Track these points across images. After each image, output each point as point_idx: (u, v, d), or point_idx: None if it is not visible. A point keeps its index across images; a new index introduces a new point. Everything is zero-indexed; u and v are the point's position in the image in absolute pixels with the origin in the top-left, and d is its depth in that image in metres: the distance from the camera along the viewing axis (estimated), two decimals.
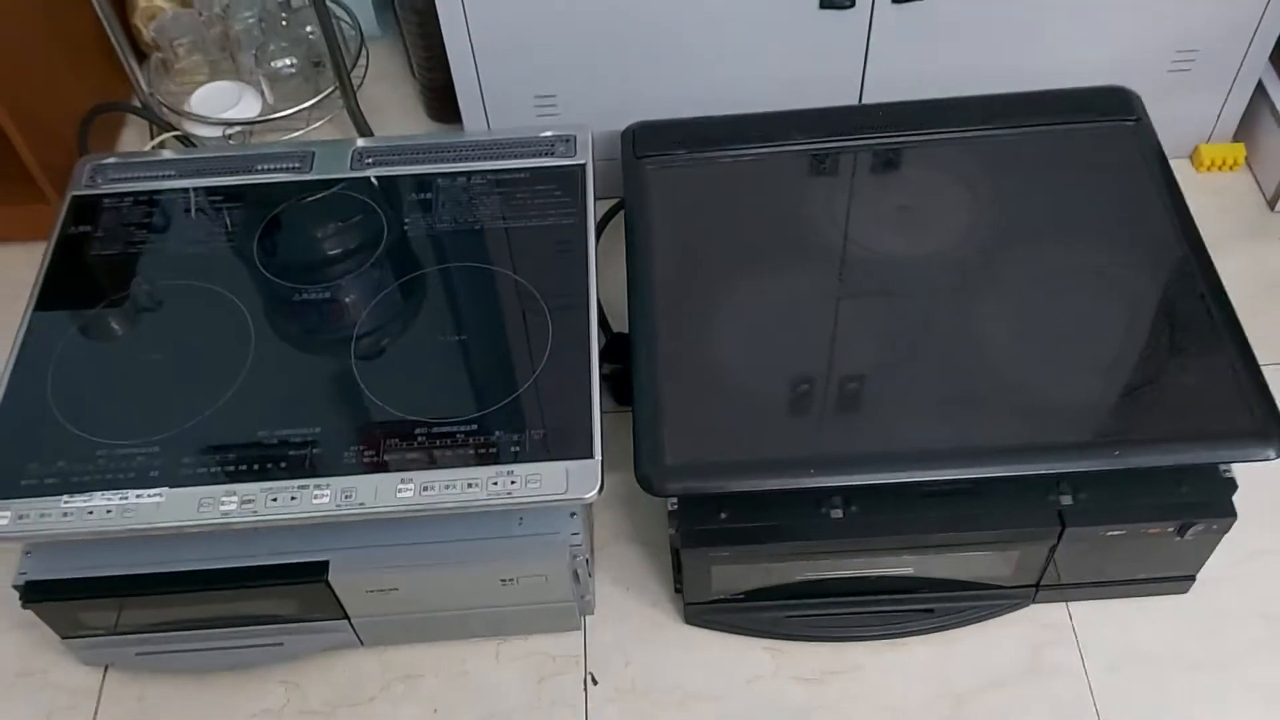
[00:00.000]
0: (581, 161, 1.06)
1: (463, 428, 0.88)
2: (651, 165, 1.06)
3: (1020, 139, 1.05)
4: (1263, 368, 1.09)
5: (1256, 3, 1.11)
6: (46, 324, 0.96)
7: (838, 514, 0.87)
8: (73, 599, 0.88)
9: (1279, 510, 1.02)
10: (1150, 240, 0.96)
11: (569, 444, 0.86)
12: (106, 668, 0.98)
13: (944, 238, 0.98)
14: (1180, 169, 1.26)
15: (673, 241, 1.00)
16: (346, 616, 0.93)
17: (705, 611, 0.97)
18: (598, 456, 0.86)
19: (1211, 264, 0.95)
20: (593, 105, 1.16)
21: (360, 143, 1.08)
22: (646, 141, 1.07)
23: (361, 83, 1.36)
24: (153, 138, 1.25)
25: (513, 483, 0.85)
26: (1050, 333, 0.91)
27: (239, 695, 0.96)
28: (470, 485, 0.85)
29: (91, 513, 0.85)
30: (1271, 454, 0.84)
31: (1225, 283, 1.15)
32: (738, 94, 1.14)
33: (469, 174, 1.05)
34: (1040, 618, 0.97)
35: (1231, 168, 1.26)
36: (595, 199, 1.03)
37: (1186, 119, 1.23)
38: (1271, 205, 1.23)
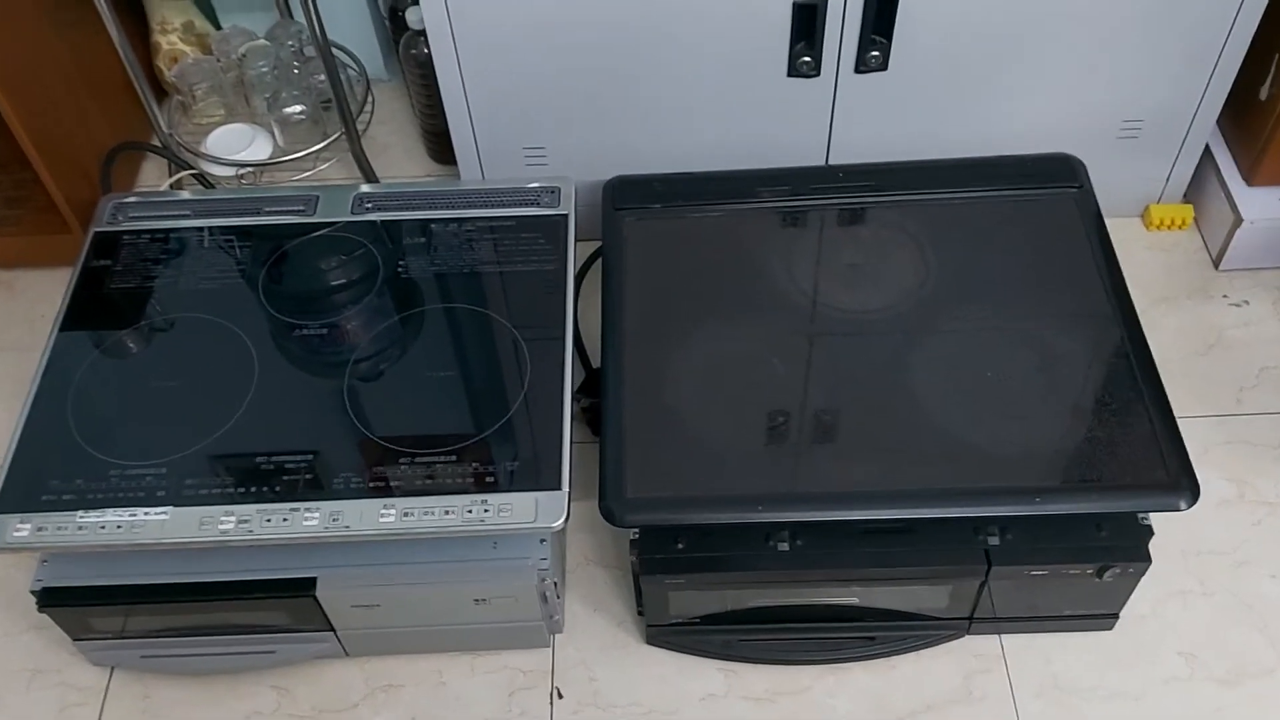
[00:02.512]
0: (564, 212, 1.15)
1: (443, 458, 0.96)
2: (629, 217, 1.14)
3: (970, 203, 1.13)
4: (1199, 419, 1.18)
5: (1198, 77, 1.19)
6: (68, 350, 1.05)
7: (784, 547, 0.95)
8: (83, 605, 0.97)
9: (1202, 554, 1.09)
10: (1083, 302, 1.04)
11: (540, 476, 0.95)
12: (113, 668, 1.06)
13: (892, 294, 1.06)
14: (1131, 226, 1.35)
15: (645, 289, 1.08)
16: (333, 629, 1.01)
17: (665, 633, 1.05)
18: (565, 489, 0.94)
19: (1138, 324, 1.03)
20: (578, 156, 1.25)
21: (362, 188, 1.17)
22: (624, 195, 1.16)
23: (367, 126, 1.45)
24: (171, 175, 1.34)
25: (486, 511, 0.93)
26: (983, 386, 0.99)
27: (234, 697, 1.04)
28: (447, 512, 0.93)
29: (103, 528, 0.93)
30: (1182, 505, 0.92)
31: (1167, 338, 1.23)
32: (713, 152, 1.23)
33: (461, 220, 1.14)
34: (973, 648, 1.05)
35: (1180, 227, 1.34)
36: (575, 246, 1.12)
37: (1137, 180, 1.31)
38: (1216, 264, 1.30)
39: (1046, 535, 0.95)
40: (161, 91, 1.44)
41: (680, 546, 0.96)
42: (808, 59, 1.14)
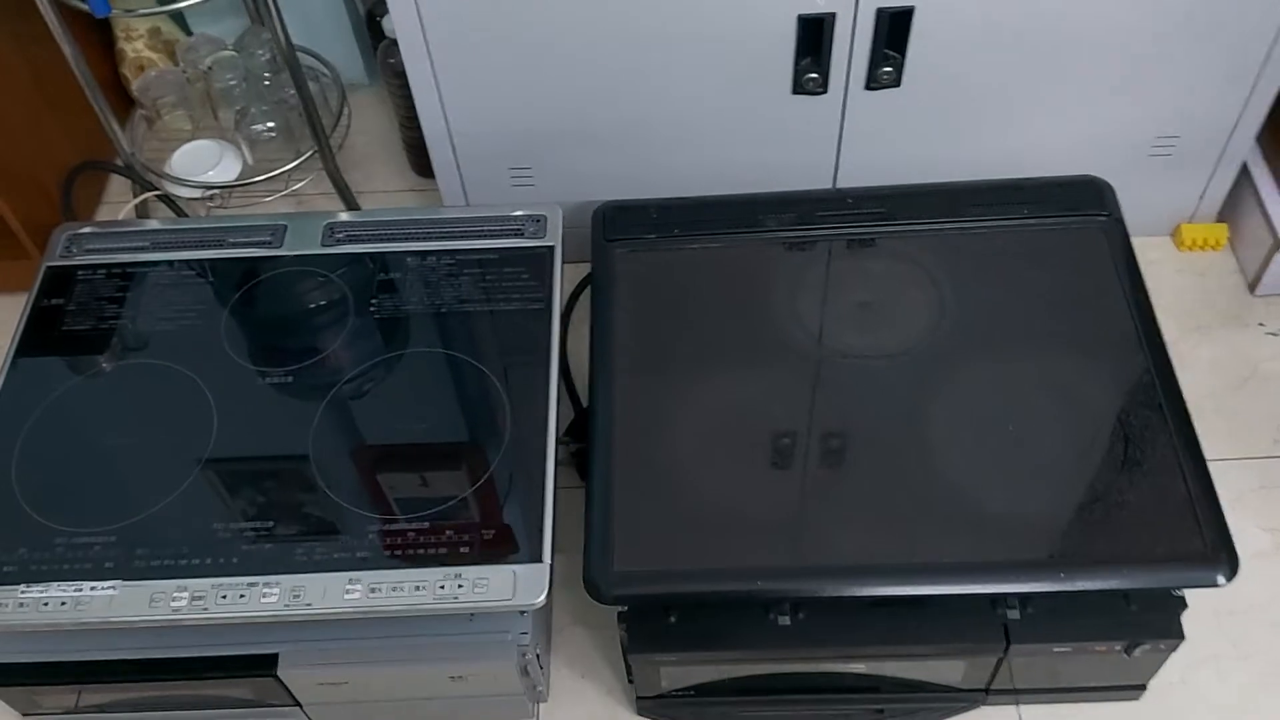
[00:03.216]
0: (550, 244, 1.06)
1: (414, 525, 0.88)
2: (620, 249, 1.06)
3: (989, 232, 1.04)
4: (1233, 462, 1.10)
5: (1239, 91, 1.10)
6: (13, 400, 0.97)
7: (785, 621, 0.88)
8: (29, 683, 0.90)
9: (1236, 613, 1.01)
10: (1111, 346, 0.96)
11: (519, 546, 0.87)
12: None
13: (904, 337, 0.98)
14: (1162, 247, 1.26)
15: (637, 330, 1.00)
16: (299, 704, 0.94)
17: (656, 705, 0.97)
18: (546, 560, 0.86)
19: (1171, 371, 0.94)
20: (568, 178, 1.16)
21: (337, 217, 1.09)
22: (617, 223, 1.07)
23: (345, 137, 1.37)
24: (135, 196, 1.26)
25: (460, 586, 0.85)
26: (1002, 443, 0.91)
27: None
28: (418, 588, 0.85)
29: (46, 604, 0.86)
30: (1220, 580, 0.84)
31: (1200, 372, 1.15)
32: (713, 175, 1.15)
33: (439, 254, 1.06)
34: (990, 719, 0.97)
35: (1214, 248, 1.25)
36: (562, 281, 1.04)
37: (1169, 199, 1.22)
38: (1252, 288, 1.22)
39: (1070, 610, 0.87)
40: (130, 102, 1.36)
41: (672, 619, 0.88)
42: (814, 75, 1.05)
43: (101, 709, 0.94)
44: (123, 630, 0.88)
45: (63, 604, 0.86)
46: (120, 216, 1.31)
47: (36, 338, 1.02)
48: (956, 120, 1.10)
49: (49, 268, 1.07)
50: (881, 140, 1.12)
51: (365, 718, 0.97)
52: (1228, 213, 1.25)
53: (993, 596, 0.87)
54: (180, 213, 1.27)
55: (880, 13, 0.99)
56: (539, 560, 0.86)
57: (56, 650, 0.89)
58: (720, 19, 1.00)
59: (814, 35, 1.01)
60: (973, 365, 0.96)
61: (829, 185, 1.17)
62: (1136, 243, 1.24)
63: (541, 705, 1.00)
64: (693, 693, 0.96)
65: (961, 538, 0.87)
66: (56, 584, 0.87)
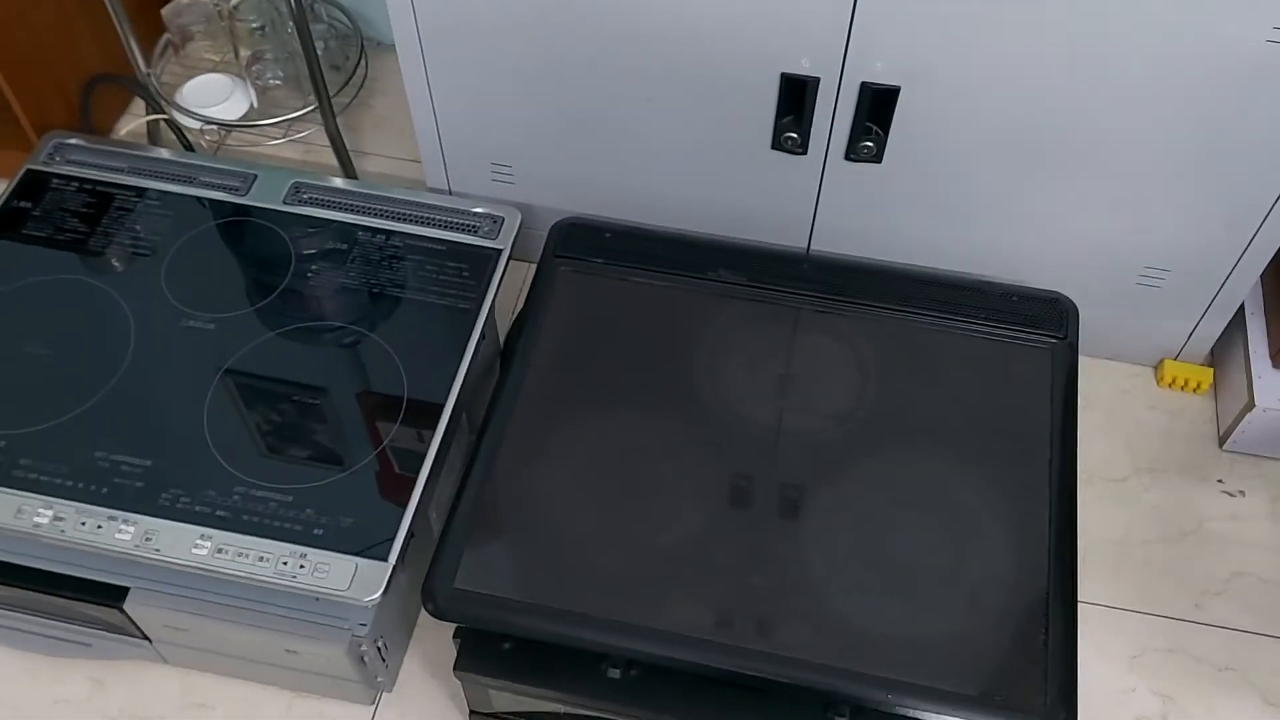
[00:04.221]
0: (500, 247, 1.06)
1: (278, 495, 0.90)
2: (565, 267, 1.05)
3: (935, 330, 1.01)
4: (1145, 616, 1.06)
5: (1238, 237, 1.04)
6: None
7: (615, 674, 0.87)
8: None
9: None
10: (1019, 475, 0.92)
11: (369, 540, 0.88)
12: None
13: (814, 418, 0.96)
14: (1141, 377, 1.21)
15: (555, 353, 1.00)
16: (148, 638, 0.97)
17: None
18: (391, 561, 0.87)
19: (1072, 519, 0.90)
20: (546, 184, 1.16)
21: (305, 177, 1.11)
22: (569, 241, 1.07)
23: (358, 92, 1.38)
24: (147, 115, 1.29)
25: (301, 567, 0.87)
26: (878, 550, 0.89)
27: (49, 679, 1.01)
28: (262, 559, 0.87)
29: None
30: None
31: (1139, 514, 1.12)
32: (688, 210, 1.13)
33: (389, 234, 1.07)
34: None
35: (1195, 390, 1.19)
36: (500, 286, 1.04)
37: (1153, 330, 1.17)
38: (1221, 442, 1.16)
39: None
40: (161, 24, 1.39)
41: (506, 647, 0.88)
42: (794, 135, 1.02)
43: None
44: None
45: None
46: (123, 134, 1.35)
47: None
48: (936, 208, 1.07)
49: (29, 170, 1.11)
50: (858, 212, 1.09)
51: (212, 664, 1.00)
52: (1219, 355, 1.19)
53: (826, 699, 0.85)
54: (185, 141, 1.30)
55: (864, 87, 0.96)
56: (383, 559, 0.87)
57: None
58: (707, 62, 0.99)
59: (796, 96, 0.99)
60: (872, 461, 0.94)
61: (804, 244, 1.15)
62: (1115, 368, 1.21)
63: (385, 695, 1.01)
64: (524, 719, 0.96)
65: (804, 632, 0.85)
66: None
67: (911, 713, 0.82)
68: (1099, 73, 0.91)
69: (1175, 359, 1.19)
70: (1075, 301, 1.03)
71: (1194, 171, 0.99)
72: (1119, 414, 1.18)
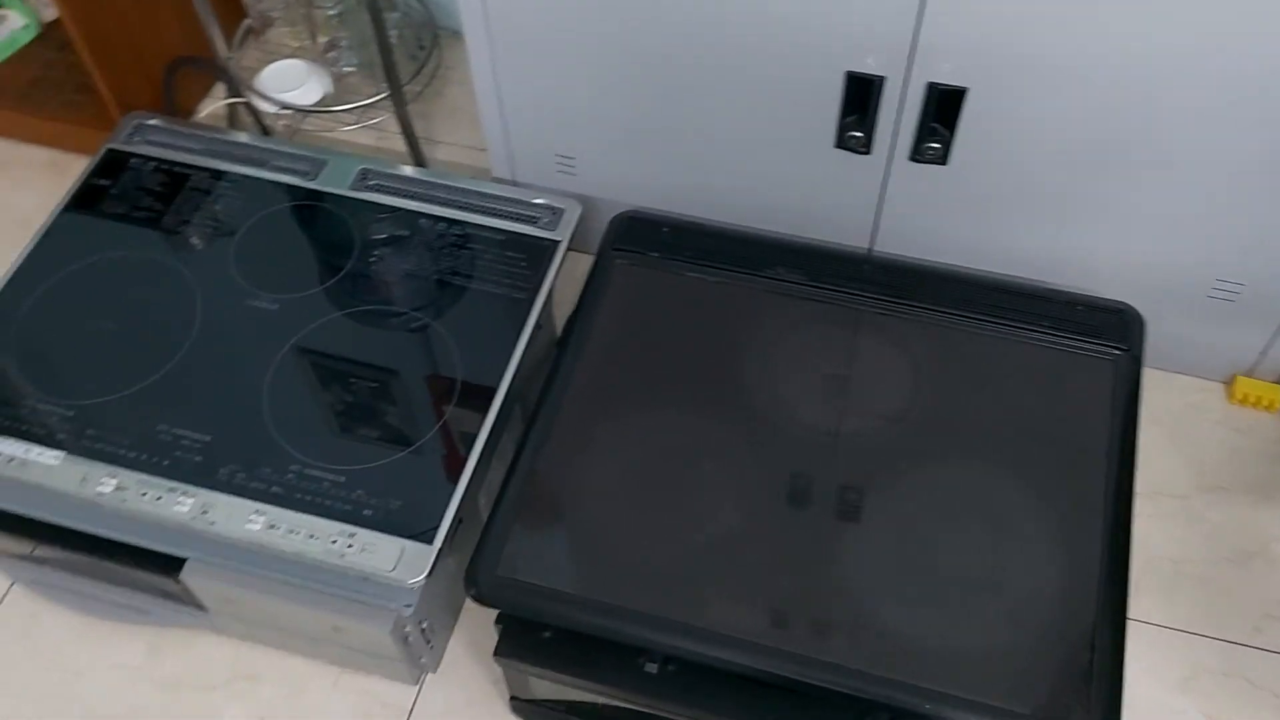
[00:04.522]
0: (558, 238, 1.07)
1: (331, 475, 0.92)
2: (622, 260, 1.06)
3: (996, 337, 0.99)
4: (1201, 639, 1.03)
5: None
6: (36, 267, 1.05)
7: (652, 669, 0.87)
8: None
9: None
10: (1073, 488, 0.90)
11: (416, 523, 0.89)
12: (12, 583, 1.08)
13: (865, 422, 0.95)
14: (1210, 392, 1.18)
15: (607, 347, 1.00)
16: (204, 609, 0.99)
17: (527, 708, 0.99)
18: (437, 545, 0.88)
19: (1126, 535, 0.88)
20: (608, 177, 1.16)
21: (373, 164, 1.13)
22: (628, 234, 1.07)
23: (431, 80, 1.40)
24: (226, 99, 1.33)
25: (350, 546, 0.88)
26: (924, 558, 0.87)
27: (110, 643, 1.04)
28: (312, 536, 0.89)
29: None
30: None
31: (1202, 533, 1.09)
32: (749, 206, 1.13)
33: (451, 222, 1.08)
34: None
35: (1267, 408, 1.15)
36: (556, 279, 1.05)
37: (1225, 345, 1.13)
38: None
39: None
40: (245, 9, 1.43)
41: (547, 635, 0.89)
42: (858, 134, 1.01)
43: (38, 562, 1.02)
44: (63, 497, 0.94)
45: (10, 460, 0.93)
46: (203, 116, 1.38)
47: (76, 213, 1.09)
48: (1001, 213, 1.05)
49: (109, 149, 1.15)
50: (922, 214, 1.07)
51: (264, 637, 1.02)
52: None
53: (861, 706, 0.84)
54: (261, 125, 1.33)
55: (931, 87, 0.95)
56: (430, 543, 0.88)
57: (4, 498, 0.96)
58: (773, 58, 0.98)
59: (861, 94, 0.98)
60: (924, 467, 0.92)
61: (865, 246, 1.13)
62: (1184, 382, 1.18)
63: (429, 675, 1.03)
64: (562, 708, 0.96)
65: (843, 637, 0.84)
66: (11, 440, 0.94)
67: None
68: (1173, 79, 0.89)
69: (1247, 375, 1.15)
70: (1143, 313, 1.01)
71: (1270, 183, 0.95)
72: (1186, 429, 1.15)
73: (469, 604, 1.06)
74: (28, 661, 1.04)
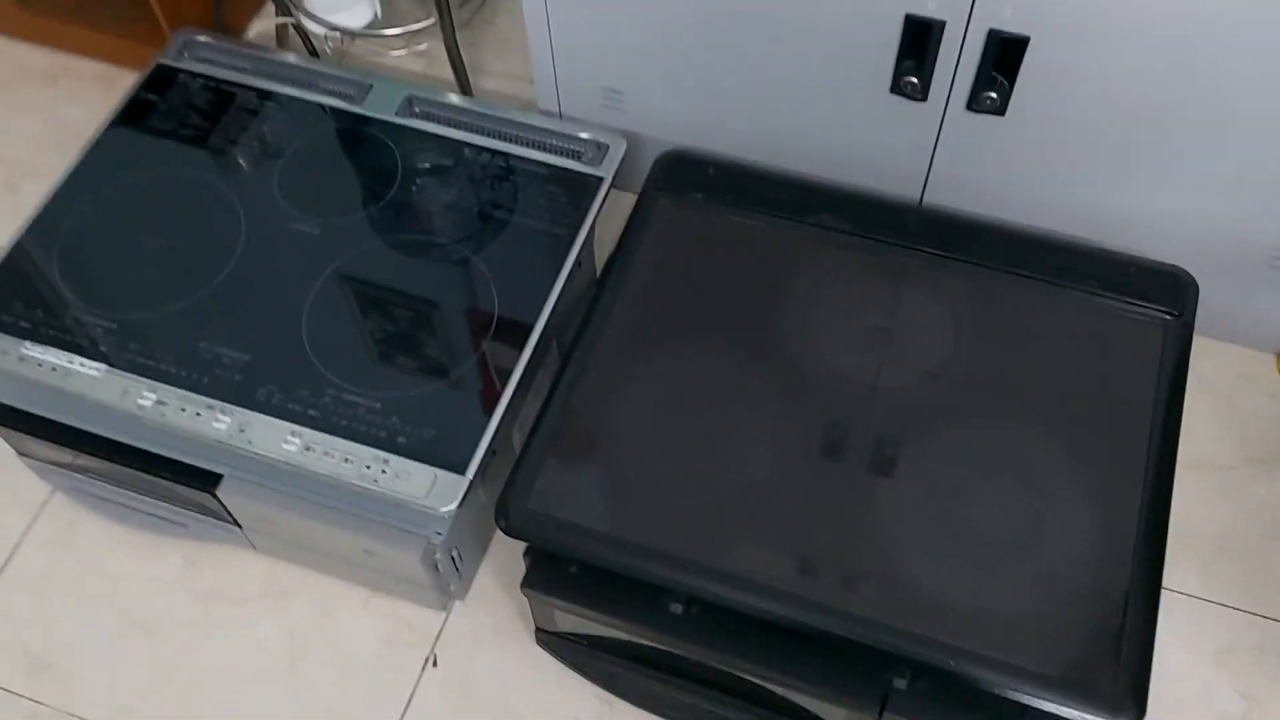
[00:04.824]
0: (602, 175, 1.06)
1: (367, 401, 0.92)
2: (665, 200, 1.04)
3: (1043, 294, 0.97)
4: (1238, 613, 1.02)
5: None
6: (84, 180, 1.06)
7: (677, 609, 0.87)
8: (11, 427, 0.98)
9: None
10: (1114, 452, 0.89)
11: (449, 452, 0.90)
12: (53, 491, 1.10)
13: (902, 375, 0.93)
14: (1262, 363, 1.15)
15: (648, 286, 0.99)
16: (239, 525, 1.01)
17: (552, 640, 0.99)
18: (469, 475, 0.89)
19: (1166, 504, 0.87)
20: (657, 114, 1.14)
21: (419, 91, 1.11)
22: (672, 174, 1.05)
23: (481, 7, 1.38)
24: (277, 17, 1.32)
25: (383, 472, 0.89)
26: (957, 515, 0.86)
27: (147, 554, 1.07)
28: (347, 460, 0.89)
29: (40, 365, 0.95)
30: None
31: (1248, 507, 1.08)
32: (798, 150, 1.10)
33: (494, 153, 1.07)
34: None
35: None
36: (597, 217, 1.04)
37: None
38: None
39: (961, 700, 0.83)
40: None
41: (573, 570, 0.89)
42: (914, 80, 0.98)
43: (78, 471, 1.04)
44: (104, 409, 0.95)
45: (54, 369, 0.95)
46: (252, 35, 1.37)
47: (124, 127, 1.09)
48: (1057, 168, 1.02)
49: (159, 65, 1.14)
50: (976, 166, 1.05)
51: (298, 556, 1.04)
52: None
53: (887, 659, 0.84)
54: (309, 46, 1.32)
55: (992, 34, 0.92)
56: (462, 473, 0.89)
57: (41, 405, 0.97)
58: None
59: (920, 38, 0.95)
60: (962, 424, 0.91)
61: (915, 195, 1.11)
62: (1236, 352, 1.15)
63: (457, 603, 1.04)
64: (585, 642, 0.97)
65: (871, 590, 0.84)
66: (56, 350, 0.95)
67: (973, 682, 0.81)
68: (1240, 36, 0.85)
69: None
70: (1197, 278, 0.98)
71: None
72: (1235, 400, 1.12)
73: (499, 535, 1.07)
74: (68, 567, 1.06)
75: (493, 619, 1.03)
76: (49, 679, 1.01)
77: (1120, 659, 0.80)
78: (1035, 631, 0.82)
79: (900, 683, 0.84)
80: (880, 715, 0.84)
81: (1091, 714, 0.79)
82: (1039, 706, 0.80)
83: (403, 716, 0.98)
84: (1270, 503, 1.06)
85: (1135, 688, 0.79)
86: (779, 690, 0.90)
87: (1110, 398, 0.92)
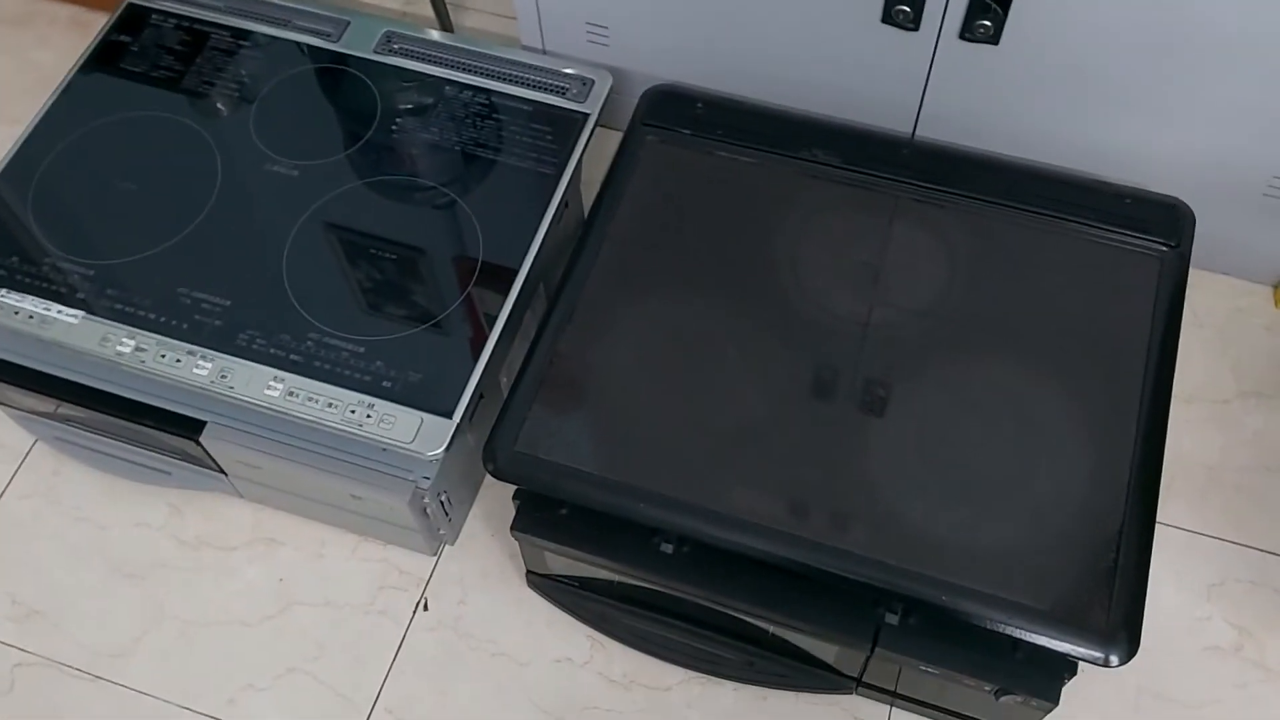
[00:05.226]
0: (587, 111, 1.03)
1: (350, 346, 0.91)
2: (652, 137, 1.02)
3: (1037, 227, 0.95)
4: (1231, 545, 1.01)
5: None
6: (56, 124, 1.03)
7: (667, 549, 0.87)
8: None
9: (1161, 699, 0.95)
10: (1108, 385, 0.88)
11: (435, 397, 0.88)
12: (35, 440, 1.09)
13: (893, 311, 0.92)
14: (1257, 296, 1.14)
15: (635, 226, 0.97)
16: (224, 472, 1.00)
17: (543, 583, 0.99)
18: (456, 419, 0.87)
19: (1161, 436, 0.86)
20: (642, 48, 1.11)
21: (392, 27, 1.08)
22: (659, 109, 1.03)
23: None
24: None
25: (368, 416, 0.88)
26: (949, 451, 0.86)
27: (131, 501, 1.06)
28: (331, 405, 0.88)
29: (18, 313, 0.93)
30: (1110, 660, 0.78)
31: (1240, 440, 1.06)
32: (788, 84, 1.08)
33: (475, 90, 1.04)
34: (858, 710, 0.95)
35: None
36: (583, 155, 1.01)
37: (1276, 247, 1.08)
38: None
39: (952, 633, 0.83)
40: None
41: (563, 512, 0.89)
42: (905, 8, 0.96)
43: (60, 420, 1.02)
44: (82, 356, 0.94)
45: (31, 317, 0.93)
46: None
47: (95, 68, 1.06)
48: (1052, 98, 1.00)
49: (130, 4, 1.11)
50: (969, 98, 1.02)
51: (284, 502, 1.03)
52: None
53: (877, 594, 0.84)
54: None
55: None
56: (448, 416, 0.88)
57: (21, 354, 0.96)
58: None
59: None
60: (955, 360, 0.90)
61: (908, 129, 1.09)
62: (1231, 285, 1.14)
63: (447, 547, 1.03)
64: (576, 584, 0.97)
65: (862, 527, 0.83)
66: (32, 298, 0.94)
67: (965, 617, 0.80)
68: None
69: None
70: (1194, 209, 0.96)
71: None
72: (1230, 333, 1.11)
73: (489, 480, 1.06)
74: (53, 517, 1.05)
75: (483, 563, 1.02)
76: (37, 628, 1.00)
77: (1113, 593, 0.80)
78: (1027, 566, 0.81)
79: (892, 618, 0.84)
80: (872, 650, 0.84)
81: (1084, 647, 0.78)
82: (1031, 640, 0.80)
83: (394, 659, 0.98)
84: (1264, 435, 1.06)
85: (1128, 621, 0.79)
86: (771, 628, 0.90)
87: (1105, 331, 0.91)
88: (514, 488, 0.89)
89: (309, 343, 0.91)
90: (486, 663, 0.98)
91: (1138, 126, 1.00)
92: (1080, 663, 0.81)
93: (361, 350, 0.90)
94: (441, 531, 1.00)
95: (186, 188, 0.99)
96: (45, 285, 0.94)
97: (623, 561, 0.88)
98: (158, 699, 0.97)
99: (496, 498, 1.05)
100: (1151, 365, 0.89)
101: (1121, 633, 0.78)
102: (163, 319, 0.92)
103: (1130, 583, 0.80)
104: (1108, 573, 0.81)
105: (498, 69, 1.06)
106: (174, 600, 1.01)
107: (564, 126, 1.02)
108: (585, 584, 0.96)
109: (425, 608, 1.00)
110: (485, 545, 1.03)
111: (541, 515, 0.89)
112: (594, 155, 1.05)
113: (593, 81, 1.05)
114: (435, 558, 1.03)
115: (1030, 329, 0.91)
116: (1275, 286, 1.13)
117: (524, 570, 1.00)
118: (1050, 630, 0.79)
